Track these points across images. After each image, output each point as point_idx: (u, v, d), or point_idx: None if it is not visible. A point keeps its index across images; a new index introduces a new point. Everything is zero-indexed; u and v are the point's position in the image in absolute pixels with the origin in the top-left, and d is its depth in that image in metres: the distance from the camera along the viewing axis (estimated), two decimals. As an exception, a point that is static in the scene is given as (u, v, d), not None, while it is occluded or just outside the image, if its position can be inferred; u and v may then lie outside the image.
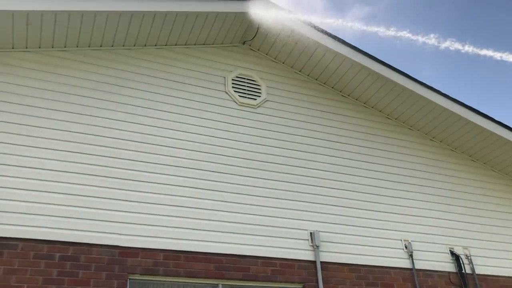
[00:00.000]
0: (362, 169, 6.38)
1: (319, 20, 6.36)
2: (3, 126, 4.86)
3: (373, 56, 6.42)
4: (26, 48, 5.31)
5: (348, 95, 6.86)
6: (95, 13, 5.28)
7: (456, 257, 6.18)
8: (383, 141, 6.76)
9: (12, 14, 4.91)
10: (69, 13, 5.15)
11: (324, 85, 6.80)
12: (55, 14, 5.09)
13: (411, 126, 7.03)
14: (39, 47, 5.38)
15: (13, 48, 5.25)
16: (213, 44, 6.33)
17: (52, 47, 5.43)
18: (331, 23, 6.21)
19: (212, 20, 5.97)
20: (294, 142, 6.16)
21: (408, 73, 6.55)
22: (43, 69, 5.30)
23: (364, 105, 6.91)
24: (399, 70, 6.53)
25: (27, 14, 4.98)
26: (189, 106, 5.79)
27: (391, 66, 6.50)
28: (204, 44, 6.27)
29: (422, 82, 6.60)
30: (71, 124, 5.13)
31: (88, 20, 5.31)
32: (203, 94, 5.96)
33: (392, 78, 6.47)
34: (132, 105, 5.51)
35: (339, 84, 6.74)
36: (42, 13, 5.03)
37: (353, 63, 6.39)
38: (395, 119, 6.99)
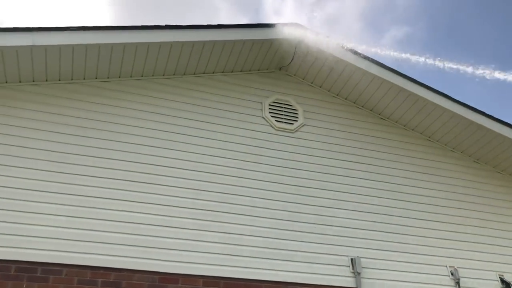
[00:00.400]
0: (404, 193, 6.23)
1: (355, 43, 6.34)
2: (44, 154, 5.03)
3: (411, 78, 6.34)
4: (59, 80, 5.48)
5: (387, 118, 6.77)
6: (137, 45, 5.47)
7: (506, 285, 5.89)
8: (424, 164, 6.61)
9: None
10: (112, 45, 5.36)
11: (362, 108, 6.74)
12: (99, 46, 5.30)
13: (453, 148, 6.85)
14: (84, 79, 5.59)
15: (46, 80, 5.41)
16: (249, 70, 6.41)
17: (84, 79, 5.60)
18: (369, 50, 6.20)
19: (249, 48, 6.07)
20: (333, 166, 6.10)
21: (450, 95, 6.43)
22: (79, 98, 5.48)
23: (404, 127, 6.79)
24: (440, 92, 6.40)
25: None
26: (227, 132, 5.86)
27: (430, 87, 6.39)
28: (241, 71, 6.37)
29: (464, 104, 6.45)
30: (111, 151, 5.26)
31: (129, 51, 5.50)
32: (240, 120, 6.02)
33: (433, 100, 6.36)
34: (172, 132, 5.62)
35: (377, 106, 6.67)
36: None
37: (392, 85, 6.33)
38: (437, 141, 6.82)
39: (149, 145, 5.45)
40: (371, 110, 6.75)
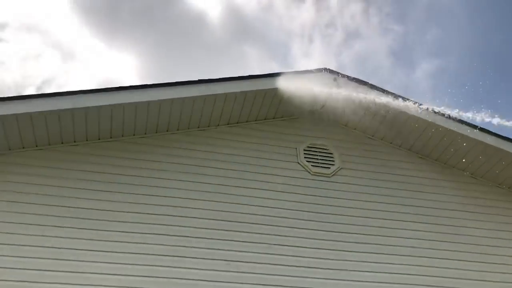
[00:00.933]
0: (453, 234, 5.96)
1: (388, 86, 6.30)
2: (89, 213, 5.12)
3: (455, 118, 6.19)
4: (99, 139, 5.66)
5: (427, 156, 6.60)
6: (172, 100, 5.62)
7: None
8: (473, 202, 6.33)
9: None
10: (150, 102, 5.54)
11: (399, 148, 6.61)
12: (123, 106, 5.49)
13: (509, 188, 6.55)
14: (122, 136, 5.76)
15: (74, 141, 5.55)
16: (282, 117, 6.45)
17: (123, 136, 5.75)
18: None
19: (281, 94, 6.12)
20: (374, 210, 5.94)
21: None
22: (122, 155, 5.62)
23: (444, 165, 6.59)
24: (490, 132, 6.24)
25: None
26: (263, 180, 5.83)
27: (487, 130, 6.23)
28: (274, 118, 6.41)
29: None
30: (151, 206, 5.32)
31: (165, 107, 5.66)
32: (276, 167, 5.99)
33: (483, 139, 6.22)
34: (209, 183, 5.65)
35: (416, 145, 6.53)
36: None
37: (428, 124, 6.22)
38: (481, 177, 6.57)
39: (187, 197, 5.48)
40: (409, 150, 6.61)
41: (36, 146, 5.42)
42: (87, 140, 5.60)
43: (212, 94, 5.74)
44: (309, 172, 6.06)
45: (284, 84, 5.93)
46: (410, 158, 6.57)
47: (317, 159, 6.21)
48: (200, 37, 17.96)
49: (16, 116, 5.07)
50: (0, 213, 4.90)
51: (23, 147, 5.36)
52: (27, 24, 17.82)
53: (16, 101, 5.11)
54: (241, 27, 18.70)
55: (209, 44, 18.04)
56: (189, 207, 5.41)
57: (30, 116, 5.12)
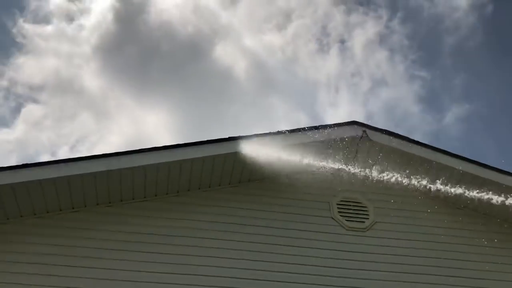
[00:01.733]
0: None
1: (418, 133, 6.25)
2: (117, 274, 5.11)
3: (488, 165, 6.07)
4: (145, 197, 5.74)
5: (464, 206, 6.41)
6: (203, 159, 5.69)
7: None
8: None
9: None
10: (181, 162, 5.62)
11: (436, 198, 6.45)
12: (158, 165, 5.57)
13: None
14: (155, 195, 5.81)
15: (121, 200, 5.63)
16: (313, 171, 6.41)
17: (156, 195, 5.82)
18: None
19: (318, 149, 6.10)
20: (412, 265, 5.74)
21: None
22: (149, 214, 5.65)
23: (485, 215, 6.37)
24: None
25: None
26: (297, 237, 5.74)
27: None
28: (304, 172, 6.37)
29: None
30: (174, 265, 5.29)
31: (197, 165, 5.71)
32: (309, 223, 5.90)
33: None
34: (241, 241, 5.59)
35: (450, 195, 6.36)
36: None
37: (464, 173, 6.08)
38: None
39: (224, 257, 5.42)
40: (444, 199, 6.44)
41: (73, 208, 5.51)
42: (121, 201, 5.67)
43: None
44: (343, 227, 5.94)
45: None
46: (445, 209, 6.39)
47: (351, 213, 6.09)
48: (228, 91, 18.38)
49: (54, 179, 5.20)
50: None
51: (60, 209, 5.46)
52: (61, 86, 18.61)
53: (51, 165, 5.27)
54: (267, 80, 19.08)
55: (237, 97, 18.43)
56: (223, 267, 5.34)
57: (67, 179, 5.24)
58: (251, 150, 5.72)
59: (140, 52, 18.21)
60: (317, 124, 6.28)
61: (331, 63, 19.05)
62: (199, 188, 5.96)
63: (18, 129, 18.78)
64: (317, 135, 6.08)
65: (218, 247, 5.50)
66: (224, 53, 19.03)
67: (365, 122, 6.36)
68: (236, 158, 5.82)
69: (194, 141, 5.68)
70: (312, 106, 19.64)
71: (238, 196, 6.00)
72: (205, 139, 5.73)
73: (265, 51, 19.43)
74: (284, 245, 5.65)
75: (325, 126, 6.20)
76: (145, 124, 18.50)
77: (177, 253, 5.37)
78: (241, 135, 5.79)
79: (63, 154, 18.22)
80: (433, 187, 6.35)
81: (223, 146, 5.78)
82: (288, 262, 5.53)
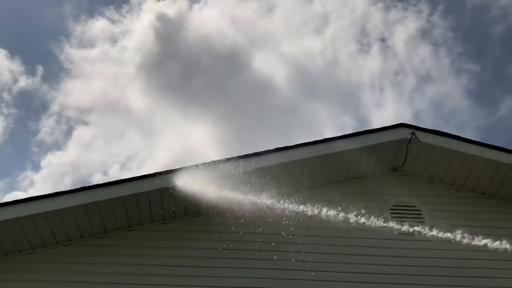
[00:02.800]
0: None
1: (470, 128, 6.07)
2: None
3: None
4: (164, 219, 5.73)
5: (523, 204, 6.16)
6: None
7: None
8: None
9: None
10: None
11: (492, 198, 6.23)
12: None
13: None
14: (174, 217, 5.78)
15: (141, 224, 5.66)
16: (364, 176, 6.34)
17: (175, 217, 5.81)
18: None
19: (358, 155, 6.06)
20: (470, 268, 5.55)
21: None
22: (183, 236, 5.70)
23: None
24: None
25: None
26: (350, 245, 5.68)
27: None
28: (355, 179, 6.32)
29: None
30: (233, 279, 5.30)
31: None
32: (363, 230, 5.81)
33: None
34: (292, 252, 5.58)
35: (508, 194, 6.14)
36: None
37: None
38: None
39: (273, 267, 5.42)
40: (503, 199, 6.21)
41: (118, 229, 5.60)
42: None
43: (299, 160, 5.86)
44: (397, 233, 5.83)
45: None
46: (505, 209, 6.16)
47: (405, 217, 5.96)
48: (270, 100, 18.43)
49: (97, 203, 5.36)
50: None
51: (106, 232, 5.56)
52: (109, 106, 19.24)
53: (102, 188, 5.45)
54: (309, 85, 18.99)
55: (279, 105, 18.43)
56: (276, 278, 5.34)
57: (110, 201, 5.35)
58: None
59: (182, 68, 18.60)
60: (364, 128, 6.25)
61: (373, 63, 18.75)
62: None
63: (71, 151, 19.54)
64: (366, 139, 6.00)
65: (266, 258, 5.51)
66: (263, 62, 19.15)
67: (413, 123, 6.25)
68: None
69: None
70: (356, 108, 19.37)
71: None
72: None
73: (305, 56, 19.38)
74: (339, 254, 5.58)
75: (371, 131, 6.14)
76: (191, 138, 18.82)
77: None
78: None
79: (113, 173, 18.80)
80: (489, 186, 6.15)
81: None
82: (342, 271, 5.45)
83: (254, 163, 5.63)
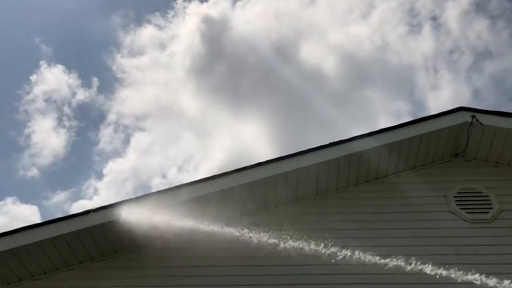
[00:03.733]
0: None
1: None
2: None
3: None
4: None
5: None
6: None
7: None
8: None
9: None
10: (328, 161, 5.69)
11: None
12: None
13: None
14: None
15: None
16: (424, 165, 6.15)
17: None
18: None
19: (417, 143, 5.89)
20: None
21: None
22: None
23: None
24: None
25: None
26: (415, 236, 5.51)
27: None
28: (414, 168, 6.14)
29: None
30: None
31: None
32: (428, 220, 5.65)
33: None
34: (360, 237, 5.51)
35: None
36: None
37: None
38: None
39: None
40: None
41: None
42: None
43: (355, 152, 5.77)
44: (465, 220, 5.61)
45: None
46: None
47: (472, 204, 5.73)
48: (320, 91, 18.24)
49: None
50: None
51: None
52: (163, 112, 19.76)
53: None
54: (359, 72, 18.61)
55: (330, 96, 18.21)
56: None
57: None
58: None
59: (230, 67, 18.77)
60: (420, 113, 6.14)
61: (425, 43, 18.09)
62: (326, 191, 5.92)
63: (130, 158, 20.25)
64: (424, 127, 5.82)
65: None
66: (311, 53, 18.96)
67: (472, 103, 6.16)
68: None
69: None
70: (411, 92, 18.78)
71: (346, 202, 5.93)
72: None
73: (353, 43, 19.01)
74: (406, 246, 5.40)
75: (429, 117, 5.93)
76: (244, 137, 18.98)
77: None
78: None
79: (172, 176, 19.30)
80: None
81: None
82: (410, 263, 5.30)
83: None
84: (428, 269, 5.16)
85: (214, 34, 18.85)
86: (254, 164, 5.62)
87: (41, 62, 18.91)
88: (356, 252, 5.14)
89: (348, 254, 5.13)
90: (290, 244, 5.07)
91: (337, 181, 5.93)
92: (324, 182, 5.87)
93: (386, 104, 18.79)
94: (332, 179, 5.87)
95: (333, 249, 5.08)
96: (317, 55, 18.98)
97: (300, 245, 5.04)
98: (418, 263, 5.25)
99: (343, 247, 5.14)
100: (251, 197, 5.56)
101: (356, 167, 5.87)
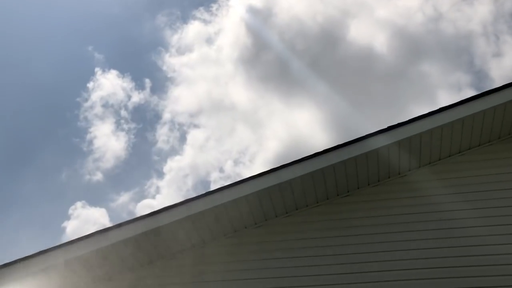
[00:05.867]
0: None
1: None
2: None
3: None
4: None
5: None
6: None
7: None
8: None
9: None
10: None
11: None
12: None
13: None
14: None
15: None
16: (490, 141, 5.87)
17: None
18: None
19: (491, 116, 5.65)
20: None
21: None
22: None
23: None
24: None
25: None
26: (499, 214, 5.25)
27: None
28: (479, 146, 5.88)
29: None
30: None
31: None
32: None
33: None
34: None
35: None
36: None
37: None
38: None
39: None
40: None
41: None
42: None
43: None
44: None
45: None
46: None
47: None
48: (373, 70, 17.81)
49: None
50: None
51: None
52: (215, 106, 20.03)
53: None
54: (413, 47, 17.94)
55: (384, 74, 17.72)
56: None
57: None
58: None
59: (277, 55, 18.69)
60: (482, 83, 5.99)
61: (482, 7, 17.09)
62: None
63: (188, 155, 20.69)
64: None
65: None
66: (360, 32, 18.49)
67: None
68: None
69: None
70: (471, 62, 17.86)
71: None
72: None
73: (403, 17, 18.32)
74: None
75: (487, 93, 5.65)
76: (298, 125, 18.90)
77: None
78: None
79: (229, 169, 19.57)
80: None
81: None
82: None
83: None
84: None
85: (259, 23, 18.81)
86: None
87: (96, 69, 19.68)
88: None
89: None
90: None
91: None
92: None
93: (445, 76, 18.01)
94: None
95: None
96: (367, 33, 18.48)
97: None
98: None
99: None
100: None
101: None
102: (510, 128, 5.81)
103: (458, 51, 17.59)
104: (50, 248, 5.17)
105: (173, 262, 5.52)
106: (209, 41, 20.22)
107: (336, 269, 5.19)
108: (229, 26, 20.17)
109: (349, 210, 5.64)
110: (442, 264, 5.01)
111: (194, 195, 5.75)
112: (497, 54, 17.56)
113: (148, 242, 5.36)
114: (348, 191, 5.74)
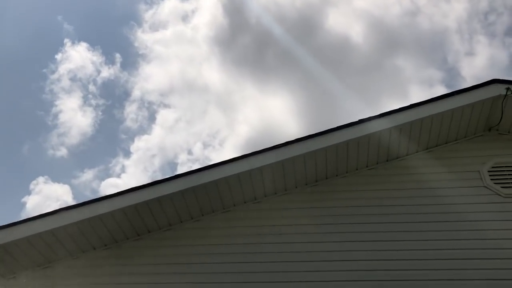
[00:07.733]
0: None
1: None
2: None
3: None
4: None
5: None
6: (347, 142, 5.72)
7: None
8: None
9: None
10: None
11: None
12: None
13: None
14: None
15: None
16: (456, 140, 6.06)
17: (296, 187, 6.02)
18: None
19: (449, 117, 5.79)
20: None
21: None
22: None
23: None
24: None
25: None
26: (449, 211, 5.48)
27: None
28: (446, 143, 6.06)
29: None
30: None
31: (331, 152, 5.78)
32: (461, 195, 5.59)
33: None
34: (392, 222, 5.53)
35: None
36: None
37: None
38: None
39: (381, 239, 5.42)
40: None
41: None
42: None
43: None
44: (500, 195, 5.53)
45: (453, 105, 5.61)
46: None
47: (507, 178, 5.64)
48: (348, 61, 17.93)
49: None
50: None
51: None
52: (188, 87, 19.83)
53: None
54: (389, 39, 18.12)
55: (359, 65, 17.87)
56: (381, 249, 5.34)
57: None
58: None
59: (254, 39, 18.60)
60: (454, 80, 6.22)
61: (458, 5, 17.36)
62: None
63: (156, 134, 20.50)
64: (457, 101, 5.70)
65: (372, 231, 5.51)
66: (337, 21, 18.56)
67: (510, 72, 5.83)
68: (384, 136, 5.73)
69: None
70: (444, 59, 18.19)
71: (379, 178, 5.91)
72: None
73: (380, 8, 18.46)
74: (442, 222, 5.39)
75: (461, 91, 5.80)
76: (270, 110, 18.94)
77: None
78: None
79: (198, 151, 19.50)
80: None
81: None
82: (444, 239, 5.31)
83: None
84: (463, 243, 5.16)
85: (236, 5, 18.62)
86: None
87: (66, 40, 19.11)
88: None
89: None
90: None
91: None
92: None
93: (418, 71, 18.30)
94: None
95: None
96: (345, 22, 18.56)
97: None
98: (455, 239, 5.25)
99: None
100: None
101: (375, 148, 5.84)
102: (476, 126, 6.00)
103: (433, 47, 17.87)
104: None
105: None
106: (185, 19, 19.91)
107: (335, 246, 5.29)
108: (206, 5, 19.90)
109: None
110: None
111: (160, 176, 5.74)
112: (470, 53, 17.94)
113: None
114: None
